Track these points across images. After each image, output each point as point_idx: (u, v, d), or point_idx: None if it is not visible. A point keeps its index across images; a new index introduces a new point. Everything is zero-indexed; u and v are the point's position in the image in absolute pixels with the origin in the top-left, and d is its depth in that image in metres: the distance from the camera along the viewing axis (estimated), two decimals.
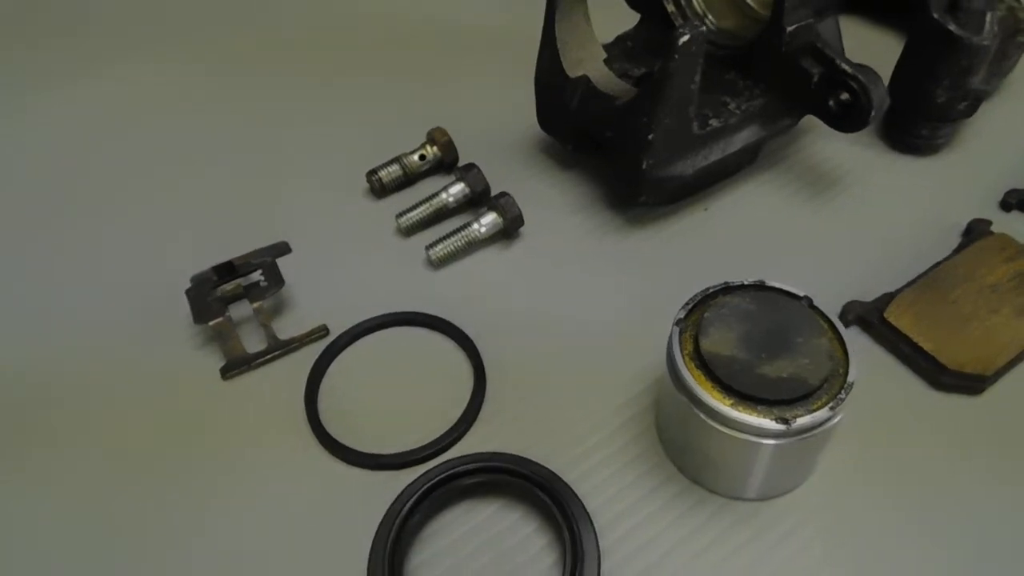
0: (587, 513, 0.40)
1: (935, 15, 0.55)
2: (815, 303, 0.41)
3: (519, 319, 0.52)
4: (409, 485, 0.40)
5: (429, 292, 0.54)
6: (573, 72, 0.55)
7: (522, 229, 0.57)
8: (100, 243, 0.58)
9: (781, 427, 0.36)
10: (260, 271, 0.52)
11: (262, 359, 0.50)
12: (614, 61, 0.59)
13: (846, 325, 0.50)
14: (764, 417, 0.37)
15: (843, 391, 0.37)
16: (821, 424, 0.37)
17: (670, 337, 0.40)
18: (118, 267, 0.56)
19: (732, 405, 0.37)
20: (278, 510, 0.43)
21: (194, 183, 0.63)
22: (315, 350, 0.50)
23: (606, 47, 0.60)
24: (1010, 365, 0.46)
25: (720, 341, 0.39)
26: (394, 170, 0.60)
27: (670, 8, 0.59)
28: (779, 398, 0.37)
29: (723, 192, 0.59)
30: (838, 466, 0.44)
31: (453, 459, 0.41)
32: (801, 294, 0.41)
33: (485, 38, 0.73)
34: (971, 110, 0.58)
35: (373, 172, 0.60)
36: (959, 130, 0.62)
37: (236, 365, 0.49)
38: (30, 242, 0.59)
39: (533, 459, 0.42)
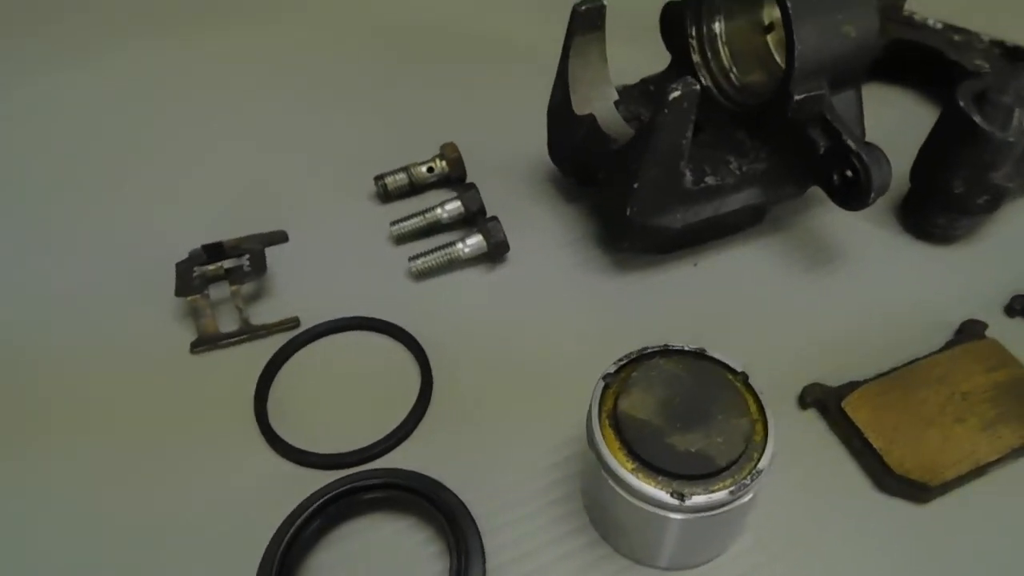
0: (481, 545, 0.41)
1: (961, 103, 0.52)
2: (750, 381, 0.40)
3: (482, 344, 0.53)
4: (314, 492, 0.41)
5: (404, 302, 0.55)
6: (581, 109, 0.56)
7: (510, 255, 0.58)
8: (114, 213, 0.62)
9: (675, 502, 0.36)
10: (247, 256, 0.55)
11: (230, 340, 0.52)
12: (630, 103, 0.59)
13: (803, 407, 0.49)
14: (661, 489, 0.36)
15: (749, 477, 0.37)
16: (720, 506, 0.36)
17: (593, 391, 0.40)
18: (126, 237, 0.60)
19: (632, 471, 0.37)
20: (202, 486, 0.45)
21: (214, 163, 0.66)
22: (283, 340, 0.53)
23: (629, 88, 0.60)
24: (960, 480, 0.44)
25: (639, 404, 0.39)
26: (400, 178, 0.61)
27: (695, 58, 0.59)
28: (680, 472, 0.37)
29: (718, 249, 0.59)
30: (759, 548, 0.43)
31: (363, 471, 0.42)
32: (739, 369, 0.41)
33: (520, 58, 0.74)
34: (992, 206, 0.56)
35: (380, 177, 0.62)
36: (980, 225, 0.59)
37: (205, 341, 0.52)
38: (45, 207, 0.64)
39: (451, 485, 0.43)
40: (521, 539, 0.43)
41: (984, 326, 0.52)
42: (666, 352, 0.42)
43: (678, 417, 0.38)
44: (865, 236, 0.60)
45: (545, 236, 0.60)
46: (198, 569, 0.42)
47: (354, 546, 0.42)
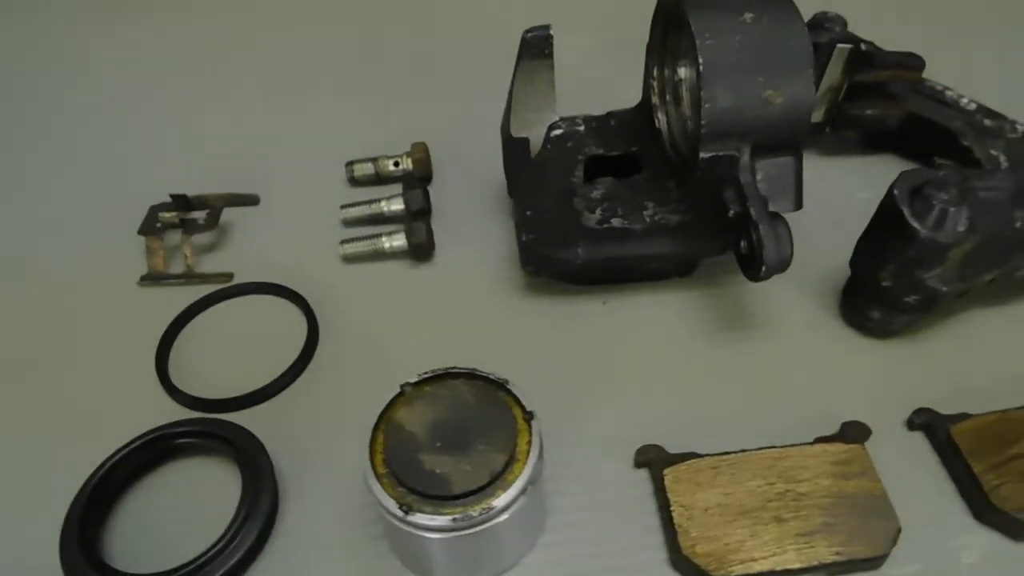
0: (274, 482, 0.46)
1: (896, 192, 0.48)
2: (533, 420, 0.41)
3: (378, 332, 0.56)
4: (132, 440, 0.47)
5: (328, 280, 0.60)
6: (519, 131, 0.57)
7: (439, 258, 0.61)
8: (120, 157, 0.73)
9: (400, 513, 0.38)
10: (207, 211, 0.62)
11: (171, 280, 0.60)
12: (584, 134, 0.59)
13: (637, 466, 0.48)
14: (393, 498, 0.38)
15: (481, 511, 0.38)
16: (443, 530, 0.38)
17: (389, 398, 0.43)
18: (124, 178, 0.70)
19: (380, 475, 0.39)
20: (82, 407, 0.53)
21: (214, 127, 0.75)
22: (212, 289, 0.59)
23: (590, 119, 0.61)
24: None
25: (414, 417, 0.41)
26: (367, 167, 0.66)
27: (654, 100, 0.58)
28: (417, 488, 0.39)
29: (633, 292, 0.58)
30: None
31: (175, 421, 0.48)
32: (530, 408, 0.42)
33: None
34: (924, 306, 0.51)
35: (351, 163, 0.66)
36: (920, 325, 0.54)
37: (150, 278, 0.60)
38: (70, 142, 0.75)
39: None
40: (319, 497, 0.47)
41: (868, 431, 0.48)
42: (470, 376, 0.43)
43: (442, 438, 0.40)
44: (799, 311, 0.57)
45: (480, 246, 0.62)
46: (44, 466, 0.49)
47: (166, 486, 0.48)
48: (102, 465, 0.45)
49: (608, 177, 0.56)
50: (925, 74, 0.65)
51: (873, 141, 0.68)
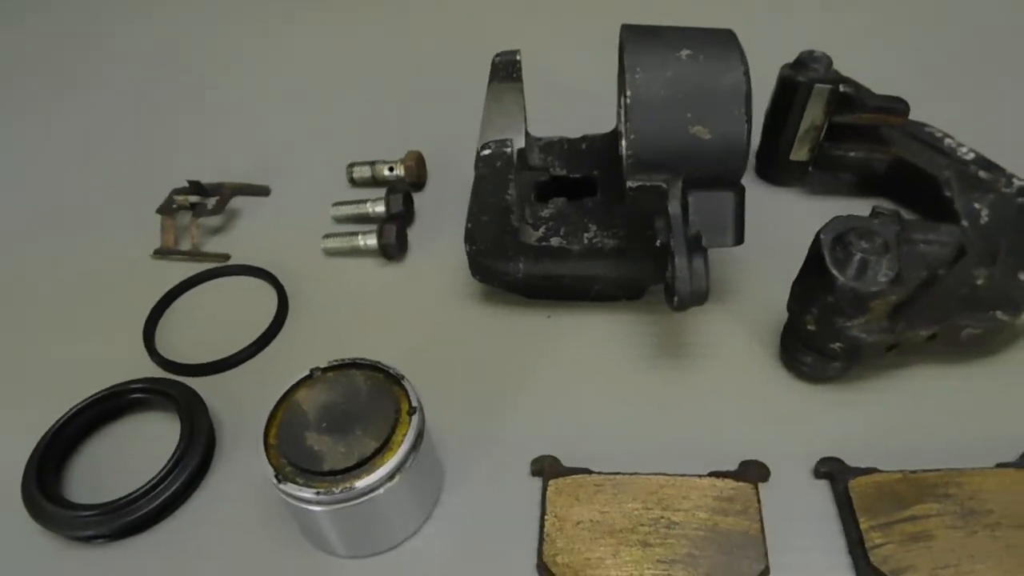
0: (211, 430, 0.52)
1: (821, 237, 0.48)
2: (415, 415, 0.44)
3: (339, 317, 0.62)
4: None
5: (310, 269, 0.65)
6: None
7: (411, 259, 0.65)
8: (155, 142, 0.82)
9: (274, 481, 0.42)
10: (216, 197, 0.69)
11: (178, 256, 0.67)
12: (549, 154, 0.62)
13: (533, 474, 0.50)
14: (272, 467, 0.43)
15: (343, 491, 0.42)
16: (308, 502, 0.42)
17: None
18: (154, 162, 0.79)
19: (269, 446, 0.44)
20: (72, 358, 0.60)
21: (241, 122, 0.84)
22: (208, 267, 0.66)
23: (563, 140, 0.63)
24: None
25: (312, 398, 0.45)
26: (364, 171, 0.71)
27: (619, 126, 0.60)
28: (295, 461, 0.43)
29: (581, 310, 0.60)
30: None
31: (127, 381, 0.54)
32: (415, 404, 0.45)
33: (547, 83, 0.77)
34: (848, 355, 0.50)
35: (351, 166, 0.72)
36: (860, 376, 0.53)
37: (162, 252, 0.68)
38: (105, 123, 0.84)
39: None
40: (251, 463, 0.51)
41: (766, 473, 0.48)
42: (373, 367, 0.47)
43: (328, 419, 0.44)
44: (740, 347, 0.57)
45: (451, 253, 0.65)
46: (17, 408, 0.57)
47: (121, 435, 0.54)
48: (64, 415, 0.52)
49: (561, 198, 0.59)
50: (935, 119, 0.63)
51: (868, 184, 0.66)
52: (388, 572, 0.47)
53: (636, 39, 0.50)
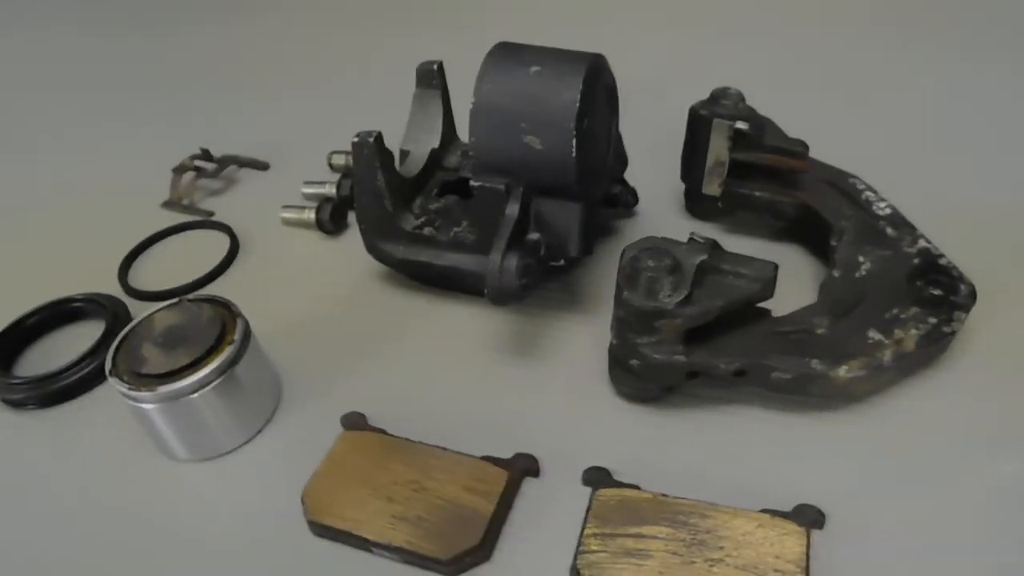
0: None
1: (624, 251, 0.50)
2: (239, 349, 0.52)
3: (269, 279, 0.71)
4: None
5: (268, 234, 0.76)
6: (406, 145, 0.67)
7: (346, 236, 0.74)
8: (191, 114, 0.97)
9: (107, 372, 0.52)
10: (217, 165, 0.81)
11: (179, 207, 0.80)
12: (468, 158, 0.67)
13: (343, 427, 0.55)
14: (110, 364, 0.52)
15: (145, 390, 0.50)
16: (124, 396, 0.51)
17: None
18: (180, 132, 0.93)
19: (118, 348, 0.53)
20: (57, 268, 0.73)
21: (255, 109, 0.97)
22: (191, 219, 0.78)
23: None
24: (335, 533, 0.48)
25: (163, 319, 0.54)
26: (341, 158, 0.80)
27: None
28: (131, 366, 0.52)
29: (456, 301, 0.64)
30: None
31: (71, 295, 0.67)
32: (237, 337, 0.53)
33: None
34: (648, 375, 0.51)
35: (332, 153, 0.81)
36: (688, 404, 0.53)
37: (168, 204, 0.81)
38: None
39: None
40: None
41: (535, 468, 0.50)
42: (224, 304, 0.55)
43: (166, 336, 0.53)
44: (584, 358, 0.58)
45: None
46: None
47: (63, 337, 0.67)
48: (23, 314, 0.66)
49: (455, 196, 0.64)
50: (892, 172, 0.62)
51: (791, 229, 0.65)
52: (208, 475, 0.54)
53: (499, 54, 0.55)
